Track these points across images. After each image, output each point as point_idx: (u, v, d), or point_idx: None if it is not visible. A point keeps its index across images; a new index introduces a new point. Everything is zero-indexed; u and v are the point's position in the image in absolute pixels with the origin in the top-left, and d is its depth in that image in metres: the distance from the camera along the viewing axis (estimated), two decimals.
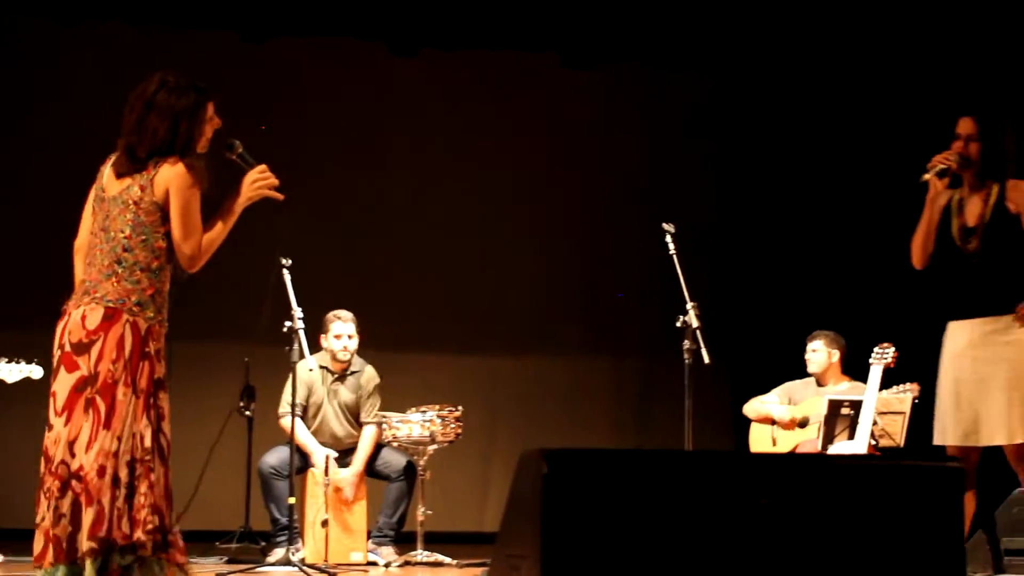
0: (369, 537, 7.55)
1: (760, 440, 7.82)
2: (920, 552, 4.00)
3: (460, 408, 7.49)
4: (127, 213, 4.37)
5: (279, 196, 4.51)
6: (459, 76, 10.07)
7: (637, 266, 9.97)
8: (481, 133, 10.13)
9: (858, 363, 7.60)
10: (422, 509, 7.43)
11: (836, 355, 7.78)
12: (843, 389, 7.66)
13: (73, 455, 4.22)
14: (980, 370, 5.33)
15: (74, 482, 4.20)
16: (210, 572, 6.33)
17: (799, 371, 7.97)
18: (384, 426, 7.49)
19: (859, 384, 7.47)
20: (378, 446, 7.64)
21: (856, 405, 7.29)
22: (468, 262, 10.05)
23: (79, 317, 4.32)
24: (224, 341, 9.00)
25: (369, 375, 7.73)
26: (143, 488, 4.23)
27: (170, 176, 4.36)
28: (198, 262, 4.39)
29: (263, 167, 4.54)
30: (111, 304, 4.30)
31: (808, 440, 7.56)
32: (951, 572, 4.01)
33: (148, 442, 4.26)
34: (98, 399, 4.23)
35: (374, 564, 7.38)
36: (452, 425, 7.41)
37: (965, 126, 5.42)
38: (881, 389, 7.07)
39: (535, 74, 10.16)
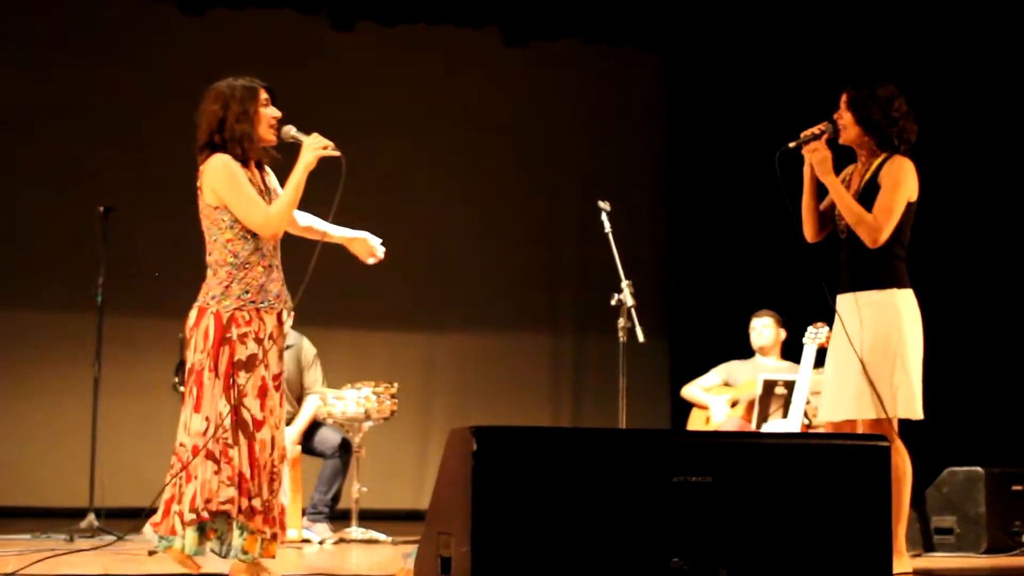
0: (303, 514, 7.52)
1: (698, 420, 7.86)
2: (848, 528, 4.03)
3: (395, 385, 7.47)
4: (202, 220, 4.75)
5: (337, 153, 4.75)
6: (399, 50, 10.01)
7: (574, 243, 9.98)
8: (420, 108, 10.09)
9: (792, 343, 7.66)
10: (357, 486, 7.41)
11: (783, 334, 7.88)
12: (781, 368, 7.74)
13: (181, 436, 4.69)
14: (839, 347, 5.30)
15: (174, 459, 4.68)
16: (144, 548, 6.26)
17: (737, 351, 8.01)
18: (319, 403, 7.47)
19: (794, 364, 7.53)
20: (313, 423, 7.61)
21: (790, 385, 7.35)
22: (403, 237, 9.96)
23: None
24: (156, 318, 8.90)
25: (305, 347, 7.70)
26: (223, 461, 4.59)
27: (208, 176, 4.66)
28: (274, 231, 4.81)
29: (316, 134, 4.78)
30: (198, 303, 4.70)
31: (732, 418, 7.62)
32: (877, 548, 4.05)
33: (228, 420, 4.59)
34: (192, 386, 4.64)
35: (308, 541, 7.35)
36: (387, 402, 7.39)
37: (841, 97, 5.37)
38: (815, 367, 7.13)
39: (476, 50, 10.13)
